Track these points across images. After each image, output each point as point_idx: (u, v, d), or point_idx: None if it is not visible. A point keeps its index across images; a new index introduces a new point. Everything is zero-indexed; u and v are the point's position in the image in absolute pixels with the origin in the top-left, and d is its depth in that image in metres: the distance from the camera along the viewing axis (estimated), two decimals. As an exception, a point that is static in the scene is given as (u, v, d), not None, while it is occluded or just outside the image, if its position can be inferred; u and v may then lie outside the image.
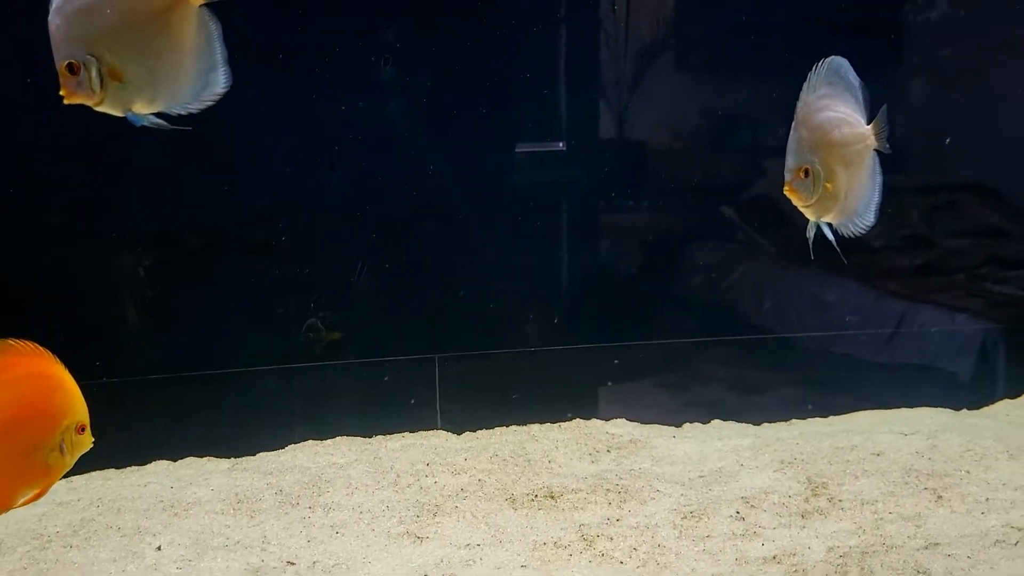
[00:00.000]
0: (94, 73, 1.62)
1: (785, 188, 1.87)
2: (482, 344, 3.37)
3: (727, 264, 3.53)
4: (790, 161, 1.88)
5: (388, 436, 3.22)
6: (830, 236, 1.96)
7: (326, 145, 3.20)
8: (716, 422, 3.37)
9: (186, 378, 3.16)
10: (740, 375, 3.64)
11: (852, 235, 1.99)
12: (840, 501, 2.50)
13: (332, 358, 3.28)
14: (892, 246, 3.74)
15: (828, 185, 1.88)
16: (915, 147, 3.64)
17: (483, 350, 3.37)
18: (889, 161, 2.05)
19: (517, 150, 3.37)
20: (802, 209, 1.92)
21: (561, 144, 3.38)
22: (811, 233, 1.98)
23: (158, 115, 1.70)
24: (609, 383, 3.48)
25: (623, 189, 3.47)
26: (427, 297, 3.35)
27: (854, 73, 2.00)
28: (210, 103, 1.71)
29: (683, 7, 3.52)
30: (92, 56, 1.62)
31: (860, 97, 2.01)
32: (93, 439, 1.69)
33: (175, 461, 3.06)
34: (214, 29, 1.72)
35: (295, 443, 3.17)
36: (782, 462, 2.80)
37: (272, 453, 3.11)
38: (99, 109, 1.67)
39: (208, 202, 3.14)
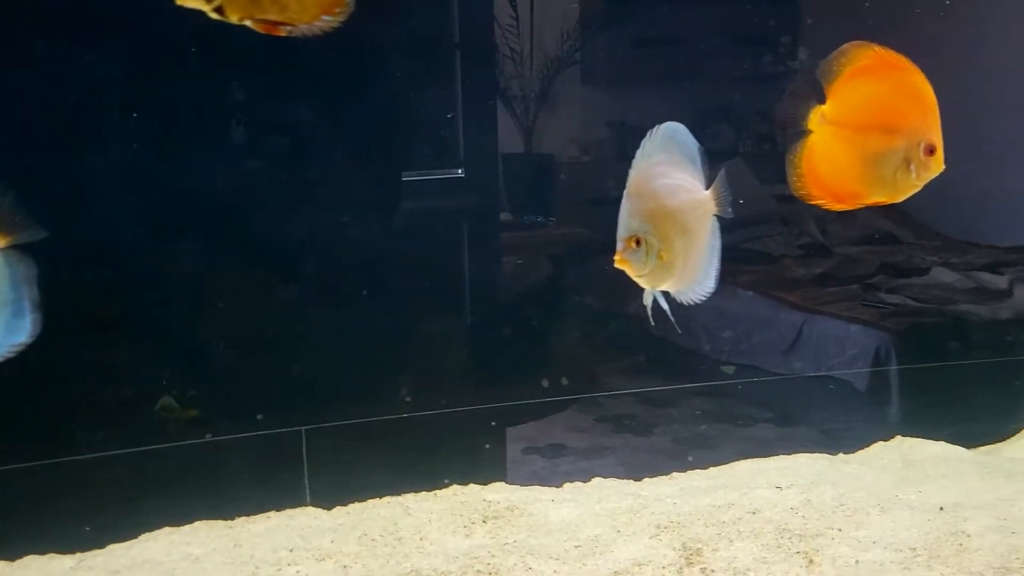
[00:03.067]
0: None
1: (616, 259, 1.77)
2: (351, 413, 3.22)
3: (601, 318, 3.47)
4: (622, 231, 1.79)
5: (251, 518, 3.02)
6: (664, 306, 1.87)
7: (174, 211, 3.03)
8: (597, 480, 3.25)
9: (28, 469, 2.94)
10: (622, 426, 3.57)
11: (691, 303, 1.91)
12: (713, 572, 2.42)
13: (190, 437, 3.09)
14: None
15: (662, 255, 1.79)
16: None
17: (353, 419, 3.22)
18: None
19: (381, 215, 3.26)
20: (636, 279, 1.82)
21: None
22: (648, 301, 1.88)
23: None
24: (487, 445, 3.36)
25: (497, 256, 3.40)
26: (291, 367, 3.19)
27: (692, 137, 1.92)
28: (12, 354, 1.52)
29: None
30: None
31: (699, 162, 1.92)
32: None
33: (13, 561, 2.81)
34: (22, 272, 1.53)
35: (149, 531, 2.95)
36: (658, 527, 2.71)
37: (123, 545, 2.88)
38: None
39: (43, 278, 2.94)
